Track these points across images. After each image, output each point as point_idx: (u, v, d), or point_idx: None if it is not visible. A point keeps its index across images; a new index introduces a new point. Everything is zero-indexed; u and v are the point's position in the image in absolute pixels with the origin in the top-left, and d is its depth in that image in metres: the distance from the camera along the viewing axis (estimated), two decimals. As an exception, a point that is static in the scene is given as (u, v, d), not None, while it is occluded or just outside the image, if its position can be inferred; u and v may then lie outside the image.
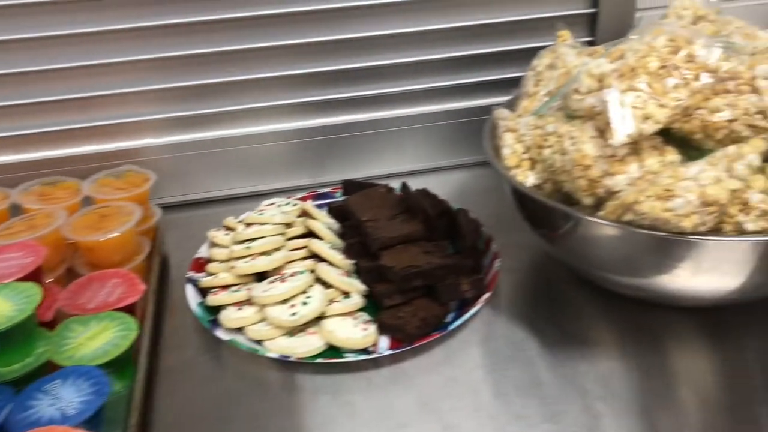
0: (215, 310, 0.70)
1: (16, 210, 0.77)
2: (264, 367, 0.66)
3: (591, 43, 0.90)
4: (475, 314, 0.68)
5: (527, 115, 0.70)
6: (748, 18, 0.94)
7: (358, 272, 0.72)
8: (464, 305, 0.69)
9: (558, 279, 0.75)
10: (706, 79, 0.57)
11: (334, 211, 0.81)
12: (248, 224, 0.76)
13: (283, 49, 0.87)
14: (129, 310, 0.65)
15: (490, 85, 0.92)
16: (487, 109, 0.85)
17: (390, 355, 0.64)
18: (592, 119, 0.60)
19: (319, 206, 0.85)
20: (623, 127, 0.56)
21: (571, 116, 0.64)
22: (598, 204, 0.60)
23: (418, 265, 0.67)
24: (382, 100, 0.91)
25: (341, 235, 0.78)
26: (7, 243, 0.67)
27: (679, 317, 0.68)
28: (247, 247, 0.73)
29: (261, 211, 0.79)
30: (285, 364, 0.65)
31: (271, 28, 0.86)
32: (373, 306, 0.69)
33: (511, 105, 0.77)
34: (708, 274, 0.59)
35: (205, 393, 0.63)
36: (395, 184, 0.84)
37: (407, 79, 0.91)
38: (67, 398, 0.54)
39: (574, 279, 0.74)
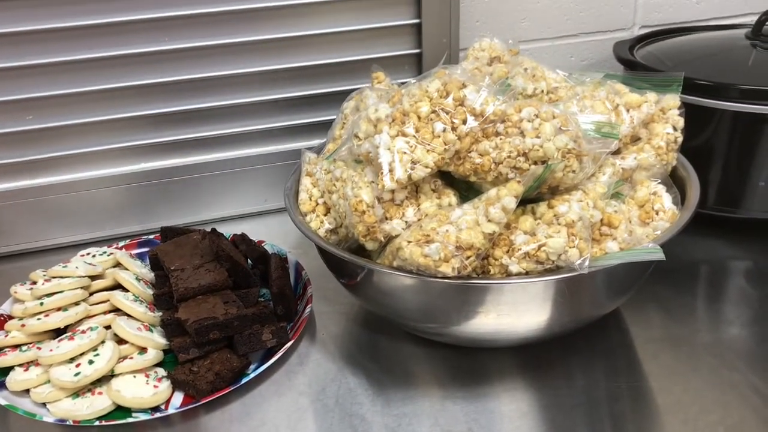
0: (5, 371, 0.66)
1: None
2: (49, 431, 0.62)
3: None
4: (280, 364, 0.66)
5: (323, 159, 0.69)
6: (562, 56, 0.99)
7: (162, 325, 0.70)
8: (267, 355, 0.67)
9: (375, 322, 0.74)
10: (472, 122, 0.57)
11: (151, 259, 0.79)
12: (50, 278, 0.73)
13: (105, 92, 0.84)
14: None
15: (319, 127, 0.92)
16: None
17: (181, 412, 0.62)
18: (370, 164, 0.60)
19: (142, 255, 0.82)
20: (392, 172, 0.56)
21: (357, 161, 0.63)
22: (383, 249, 0.60)
23: (214, 316, 0.65)
24: (211, 142, 0.90)
25: (155, 285, 0.75)
26: None
27: (496, 356, 0.67)
28: (41, 303, 0.69)
29: (66, 263, 0.75)
30: (68, 428, 0.62)
31: (93, 71, 0.83)
32: (175, 361, 0.67)
33: (322, 148, 0.76)
34: (497, 316, 0.59)
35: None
36: (223, 230, 0.82)
37: (236, 121, 0.90)
38: None
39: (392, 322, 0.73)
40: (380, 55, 0.90)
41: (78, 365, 0.63)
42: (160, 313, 0.71)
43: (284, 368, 0.68)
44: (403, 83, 0.78)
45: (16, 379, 0.64)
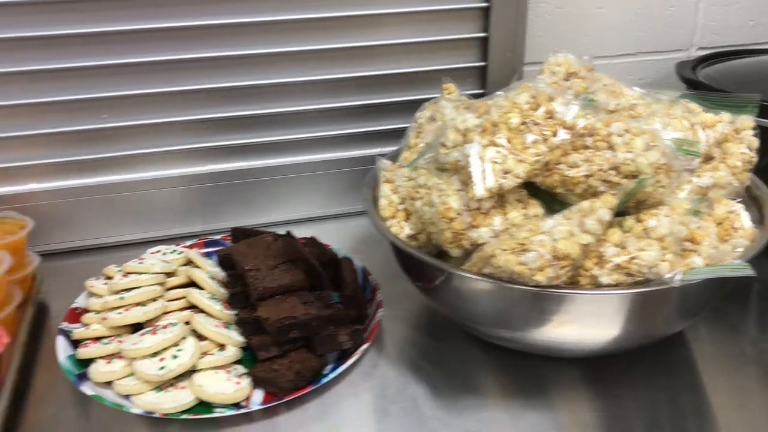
0: (85, 363, 0.68)
1: None
2: (132, 423, 0.63)
3: (482, 95, 0.93)
4: (353, 366, 0.68)
5: (403, 167, 0.71)
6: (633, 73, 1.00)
7: (238, 323, 0.71)
8: (343, 357, 0.68)
9: (442, 328, 0.75)
10: (563, 135, 0.59)
11: (221, 259, 0.80)
12: (126, 273, 0.75)
13: (177, 94, 0.86)
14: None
15: (383, 135, 0.93)
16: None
17: (262, 409, 0.63)
18: (457, 173, 0.61)
19: (209, 254, 0.84)
20: (484, 181, 0.58)
21: (440, 169, 0.65)
22: (467, 255, 0.61)
23: (294, 316, 0.67)
24: (276, 147, 0.92)
25: (225, 284, 0.77)
26: None
27: (561, 366, 0.68)
28: (121, 298, 0.71)
29: (141, 259, 0.77)
30: (151, 420, 0.63)
31: (164, 74, 0.85)
32: (252, 358, 0.68)
33: (396, 156, 0.78)
34: (577, 327, 0.61)
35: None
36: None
37: (301, 127, 0.92)
38: None
39: (458, 327, 0.74)
40: (445, 67, 0.92)
41: (162, 359, 0.64)
42: (234, 312, 0.72)
43: (358, 370, 0.69)
44: (472, 95, 0.80)
45: (99, 371, 0.65)
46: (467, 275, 0.59)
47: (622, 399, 0.65)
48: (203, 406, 0.63)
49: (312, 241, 0.80)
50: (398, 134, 0.92)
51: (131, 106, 0.86)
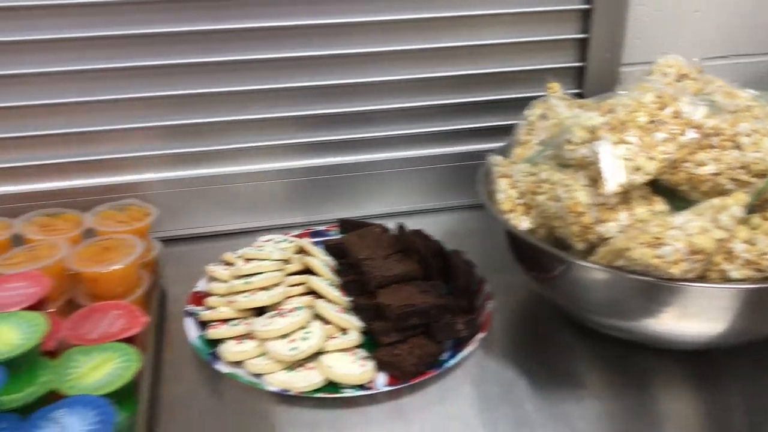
0: (212, 343, 0.71)
1: (17, 240, 0.78)
2: (263, 401, 0.67)
3: (578, 95, 0.95)
4: (468, 354, 0.70)
5: (520, 163, 0.73)
6: (725, 75, 1.01)
7: (354, 309, 0.74)
8: (458, 344, 0.71)
9: (547, 319, 0.77)
10: (692, 134, 0.61)
11: (330, 248, 0.83)
12: (248, 259, 0.78)
13: (283, 91, 0.90)
14: (129, 341, 0.66)
15: (479, 132, 0.96)
16: (474, 155, 0.91)
17: (387, 391, 0.66)
18: (584, 169, 0.64)
19: (314, 244, 0.87)
20: (615, 177, 0.60)
21: (563, 165, 0.67)
22: (590, 249, 0.64)
23: (414, 303, 0.70)
24: (376, 142, 0.95)
25: (337, 272, 0.80)
26: (12, 273, 0.68)
27: (666, 359, 0.70)
28: (247, 282, 0.74)
29: (260, 246, 0.81)
30: (283, 398, 0.66)
31: (271, 72, 0.89)
32: (368, 343, 0.71)
33: (502, 152, 0.80)
34: (693, 319, 0.62)
35: (206, 426, 0.64)
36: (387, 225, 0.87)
37: (401, 123, 0.95)
38: (73, 427, 0.55)
39: (563, 319, 0.77)
40: (543, 67, 0.94)
41: (292, 341, 0.68)
42: (350, 299, 0.75)
43: (472, 359, 0.71)
44: (570, 95, 0.82)
45: (231, 351, 0.69)
46: (595, 267, 0.61)
47: (725, 394, 0.67)
48: (330, 386, 0.67)
49: (418, 234, 0.83)
50: (493, 132, 0.96)
51: (240, 102, 0.89)
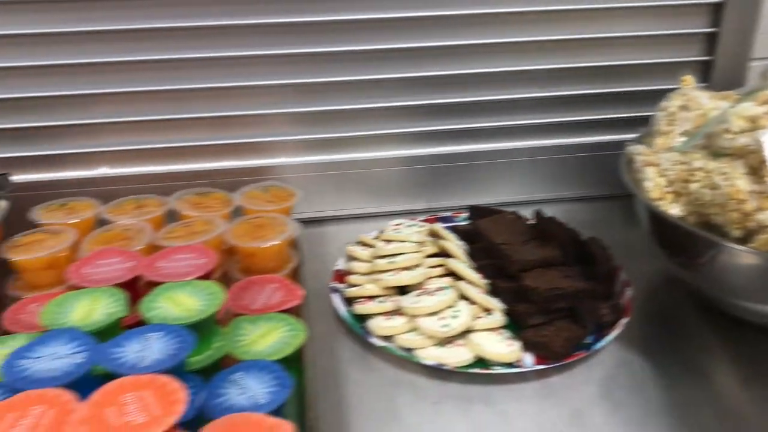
0: (359, 318, 0.74)
1: (171, 216, 0.82)
2: (413, 374, 0.70)
3: (706, 89, 0.95)
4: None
5: (666, 152, 0.74)
6: None
7: (493, 292, 0.76)
8: (601, 329, 0.72)
9: (682, 306, 0.78)
10: None
11: (462, 233, 0.86)
12: (387, 241, 0.81)
13: (416, 80, 0.92)
14: (287, 313, 0.69)
15: (602, 123, 0.97)
16: (595, 146, 0.92)
17: (537, 370, 0.68)
18: (742, 157, 0.64)
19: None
20: (781, 165, 0.60)
21: (717, 154, 0.68)
22: (746, 237, 0.64)
23: (561, 287, 0.71)
24: (498, 132, 0.96)
25: (470, 256, 0.82)
26: (182, 245, 0.72)
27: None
28: (391, 262, 0.77)
29: (397, 229, 0.83)
30: (434, 372, 0.69)
31: (404, 61, 0.91)
32: (512, 325, 0.73)
33: (639, 142, 0.81)
34: None
35: (360, 396, 0.67)
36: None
37: (527, 113, 0.96)
38: (254, 389, 0.58)
39: (698, 307, 0.77)
40: (669, 60, 0.94)
41: (442, 318, 0.70)
42: (487, 281, 0.77)
43: (616, 343, 0.73)
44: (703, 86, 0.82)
45: (381, 326, 0.72)
46: (753, 252, 0.62)
47: None
48: (479, 363, 0.69)
49: (553, 221, 0.84)
50: (613, 123, 0.97)
51: (366, 90, 0.92)
